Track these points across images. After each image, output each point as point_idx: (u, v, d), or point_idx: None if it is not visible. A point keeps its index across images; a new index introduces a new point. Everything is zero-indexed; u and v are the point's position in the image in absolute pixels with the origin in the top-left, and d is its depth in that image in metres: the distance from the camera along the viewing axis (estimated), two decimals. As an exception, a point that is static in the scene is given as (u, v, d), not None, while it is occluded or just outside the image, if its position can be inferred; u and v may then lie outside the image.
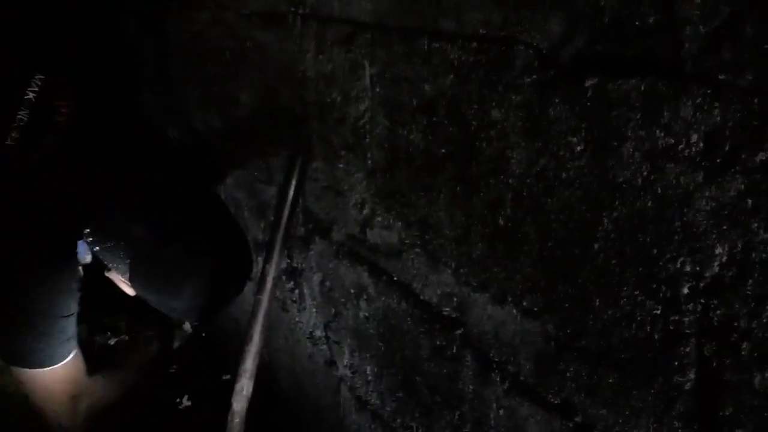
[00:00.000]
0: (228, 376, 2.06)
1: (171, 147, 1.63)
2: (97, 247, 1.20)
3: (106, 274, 1.34)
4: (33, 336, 1.09)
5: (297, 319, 1.37)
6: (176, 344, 2.05)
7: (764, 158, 0.45)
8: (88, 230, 1.17)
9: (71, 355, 1.17)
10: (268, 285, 1.14)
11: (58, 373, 1.15)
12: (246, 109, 1.37)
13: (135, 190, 1.17)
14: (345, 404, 1.23)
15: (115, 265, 1.23)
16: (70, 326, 1.16)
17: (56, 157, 1.07)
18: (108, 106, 1.22)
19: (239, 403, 1.15)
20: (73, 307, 1.15)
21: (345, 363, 1.19)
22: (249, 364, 1.13)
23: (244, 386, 1.14)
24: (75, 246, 1.16)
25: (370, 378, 1.11)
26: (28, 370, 1.13)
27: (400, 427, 1.04)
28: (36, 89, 1.04)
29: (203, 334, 2.28)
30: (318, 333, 1.28)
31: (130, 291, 1.28)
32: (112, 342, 1.89)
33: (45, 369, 1.13)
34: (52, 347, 1.12)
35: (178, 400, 2.00)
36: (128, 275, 1.20)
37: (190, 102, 1.66)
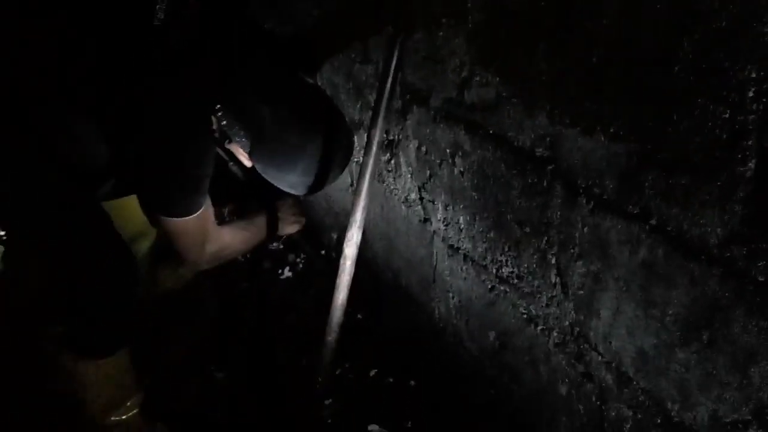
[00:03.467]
0: (324, 251, 2.30)
1: (279, 42, 1.80)
2: (225, 122, 1.40)
3: (227, 146, 1.54)
4: (185, 189, 1.31)
5: (392, 187, 1.55)
6: (283, 224, 2.23)
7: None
8: (219, 106, 1.36)
9: (204, 207, 1.38)
10: (374, 148, 1.30)
11: (195, 219, 1.38)
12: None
13: (260, 76, 1.35)
14: (438, 254, 1.42)
15: (238, 139, 1.42)
16: (207, 184, 1.37)
17: (193, 37, 1.25)
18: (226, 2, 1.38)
19: (350, 248, 1.35)
20: (210, 168, 1.36)
21: (438, 218, 1.37)
22: (358, 215, 1.32)
23: (354, 234, 1.33)
24: (209, 117, 1.36)
25: (462, 227, 1.28)
26: (174, 218, 1.36)
27: (491, 263, 1.21)
28: None
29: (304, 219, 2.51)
30: (413, 196, 1.46)
31: (247, 162, 1.48)
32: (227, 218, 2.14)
33: (188, 217, 1.35)
34: (196, 199, 1.34)
35: (280, 270, 2.26)
36: (249, 149, 1.39)
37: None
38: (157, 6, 1.22)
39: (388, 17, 1.33)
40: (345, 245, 1.35)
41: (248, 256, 2.24)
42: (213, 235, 1.49)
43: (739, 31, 0.64)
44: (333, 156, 1.42)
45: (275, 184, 1.48)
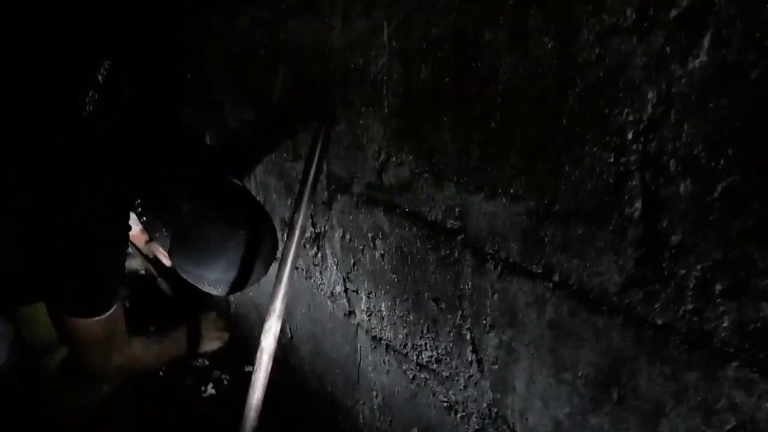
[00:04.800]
0: (250, 368, 2.18)
1: (207, 146, 1.83)
2: (145, 218, 1.37)
3: (147, 245, 1.50)
4: (94, 287, 1.24)
5: (319, 282, 1.52)
6: (204, 340, 2.14)
7: (675, 14, 0.61)
8: (140, 201, 1.34)
9: (113, 308, 1.31)
10: (296, 233, 1.29)
11: (103, 322, 1.30)
12: (275, 98, 1.56)
13: (183, 172, 1.35)
14: (362, 348, 1.36)
15: (158, 236, 1.39)
16: (118, 284, 1.31)
17: (121, 129, 1.26)
18: (160, 95, 1.42)
19: (268, 340, 1.28)
20: (122, 267, 1.31)
21: (362, 308, 1.33)
22: (278, 304, 1.27)
23: (273, 325, 1.27)
24: (129, 214, 1.33)
25: (384, 314, 1.24)
26: (80, 320, 1.27)
27: (411, 349, 1.16)
28: (105, 71, 1.24)
29: (227, 335, 2.41)
30: (338, 288, 1.42)
31: (167, 261, 1.44)
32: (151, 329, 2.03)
33: (95, 318, 1.27)
34: (105, 298, 1.27)
35: (203, 388, 2.12)
36: (168, 247, 1.36)
37: (225, 102, 1.86)
38: (89, 95, 1.23)
39: (313, 113, 1.37)
40: (262, 337, 1.28)
41: (167, 371, 2.11)
42: (121, 343, 1.41)
43: (613, 78, 0.68)
44: (257, 254, 1.39)
45: (195, 284, 1.43)
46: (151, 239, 1.45)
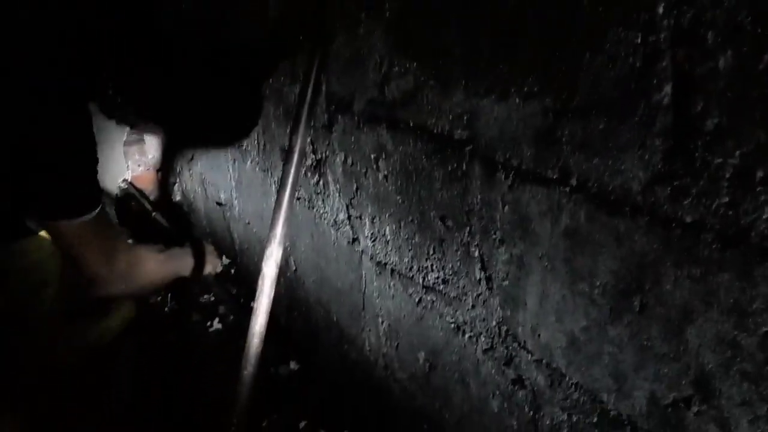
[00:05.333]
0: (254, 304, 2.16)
1: None
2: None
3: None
4: (75, 183, 1.13)
5: (322, 211, 1.46)
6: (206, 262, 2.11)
7: None
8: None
9: (100, 206, 1.18)
10: (295, 156, 1.22)
11: (95, 221, 1.18)
12: (271, 13, 1.47)
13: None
14: (366, 275, 1.31)
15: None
16: (96, 176, 1.20)
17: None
18: None
19: (269, 267, 1.23)
20: (95, 165, 1.20)
21: (366, 234, 1.27)
22: (278, 230, 1.21)
23: (274, 251, 1.22)
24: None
25: (388, 238, 1.18)
26: (70, 221, 1.15)
27: (417, 272, 1.11)
28: None
29: (233, 270, 2.39)
30: (341, 216, 1.36)
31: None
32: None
33: (86, 216, 1.15)
34: (90, 193, 1.17)
35: (209, 323, 2.10)
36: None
37: (230, 17, 1.76)
38: None
39: (310, 28, 1.28)
40: (264, 263, 1.23)
41: (173, 308, 2.09)
42: (122, 245, 1.32)
43: (642, -56, 0.60)
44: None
45: None
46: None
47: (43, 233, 1.41)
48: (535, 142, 0.78)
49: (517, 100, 0.79)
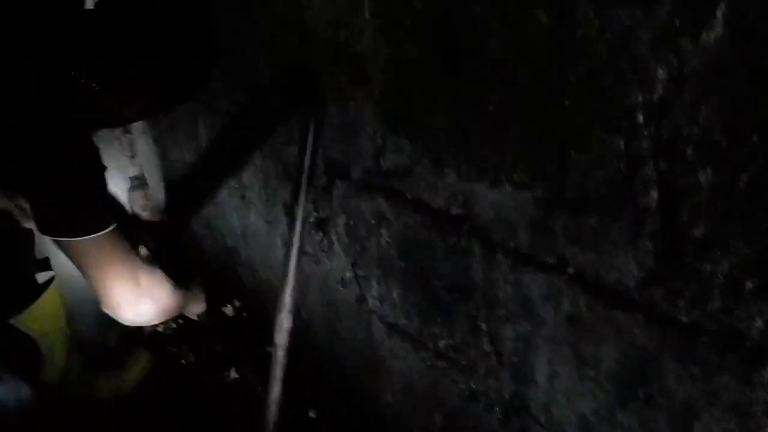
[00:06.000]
0: (270, 348, 2.18)
1: None
2: None
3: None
4: (83, 198, 1.10)
5: (328, 267, 1.47)
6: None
7: (684, -20, 0.53)
8: None
9: (114, 225, 1.13)
10: (298, 226, 1.24)
11: (111, 237, 1.12)
12: (265, 80, 1.49)
13: None
14: (378, 334, 1.33)
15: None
16: (107, 195, 1.17)
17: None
18: None
19: (281, 336, 1.26)
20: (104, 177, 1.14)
21: (374, 294, 1.29)
22: (287, 298, 1.24)
23: (284, 320, 1.24)
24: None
25: (396, 301, 1.20)
26: (84, 238, 1.09)
27: (427, 337, 1.12)
28: None
29: (244, 314, 2.41)
30: (348, 275, 1.38)
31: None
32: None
33: (101, 232, 1.10)
34: (101, 207, 1.13)
35: (226, 372, 2.12)
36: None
37: (217, 83, 1.79)
38: None
39: (301, 94, 1.30)
40: (275, 333, 1.26)
41: (188, 356, 2.12)
42: (142, 264, 1.21)
43: (617, 55, 0.61)
44: None
45: None
46: None
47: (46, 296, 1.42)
48: (530, 228, 0.79)
49: (509, 188, 0.80)
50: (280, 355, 1.26)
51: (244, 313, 2.39)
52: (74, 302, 1.65)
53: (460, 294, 0.98)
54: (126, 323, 1.22)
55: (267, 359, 2.06)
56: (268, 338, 1.96)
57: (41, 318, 1.42)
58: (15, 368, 1.33)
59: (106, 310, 1.19)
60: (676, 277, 0.62)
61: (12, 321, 1.27)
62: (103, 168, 1.14)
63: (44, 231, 1.10)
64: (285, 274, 1.23)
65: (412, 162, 1.01)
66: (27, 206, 1.19)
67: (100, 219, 1.10)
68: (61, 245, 1.12)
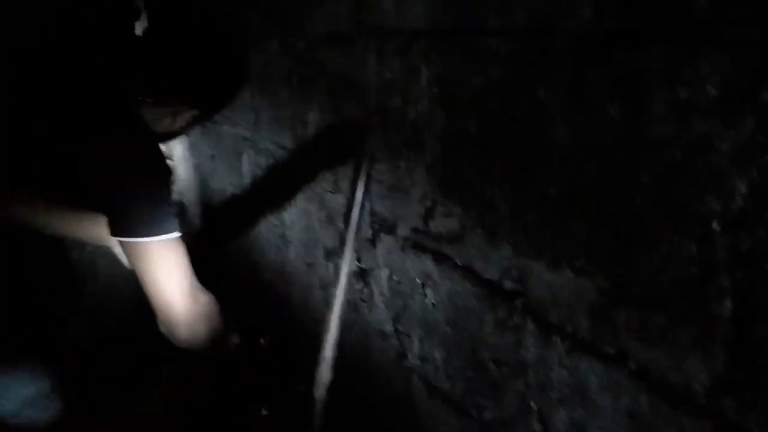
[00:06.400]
0: (304, 387, 2.17)
1: None
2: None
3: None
4: (151, 195, 1.10)
5: (367, 318, 1.47)
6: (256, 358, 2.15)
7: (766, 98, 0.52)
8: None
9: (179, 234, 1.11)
10: (343, 280, 1.24)
11: (176, 245, 1.10)
12: (313, 127, 1.51)
13: None
14: (417, 393, 1.31)
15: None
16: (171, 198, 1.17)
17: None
18: None
19: (320, 390, 1.25)
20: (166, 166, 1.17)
21: (415, 352, 1.27)
22: (328, 353, 1.23)
23: (324, 374, 1.24)
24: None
25: (439, 364, 1.19)
26: (151, 239, 1.08)
27: (471, 407, 1.10)
28: None
29: (278, 350, 2.41)
30: (388, 328, 1.37)
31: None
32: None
33: (167, 235, 1.09)
34: (169, 210, 1.11)
35: (260, 408, 2.12)
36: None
37: (262, 126, 1.81)
38: None
39: (353, 150, 1.31)
40: (314, 388, 1.25)
41: (222, 394, 2.12)
42: (201, 286, 1.15)
43: (693, 160, 0.60)
44: None
45: None
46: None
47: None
48: (590, 316, 0.78)
49: (569, 273, 0.79)
50: (318, 408, 1.25)
51: (278, 350, 2.39)
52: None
53: (510, 369, 0.96)
54: (179, 344, 1.16)
55: (299, 400, 2.06)
56: (302, 378, 1.96)
57: None
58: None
59: (161, 328, 1.14)
60: (749, 387, 0.60)
61: None
62: (171, 172, 1.20)
63: (117, 232, 1.09)
64: (327, 327, 1.23)
65: (464, 228, 1.00)
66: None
67: (171, 222, 1.09)
68: (129, 250, 1.10)
